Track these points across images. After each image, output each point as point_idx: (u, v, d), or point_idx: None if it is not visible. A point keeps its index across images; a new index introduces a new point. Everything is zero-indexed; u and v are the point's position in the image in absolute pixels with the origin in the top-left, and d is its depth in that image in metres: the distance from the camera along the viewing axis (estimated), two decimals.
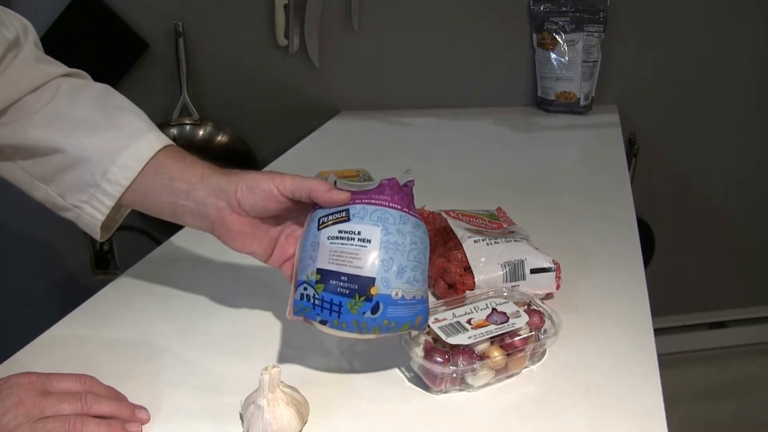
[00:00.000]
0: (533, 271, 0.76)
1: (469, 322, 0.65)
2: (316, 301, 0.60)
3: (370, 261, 0.60)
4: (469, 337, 0.63)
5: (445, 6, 1.64)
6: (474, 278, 0.75)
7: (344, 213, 0.62)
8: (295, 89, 1.71)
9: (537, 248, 0.78)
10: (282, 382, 0.59)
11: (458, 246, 0.77)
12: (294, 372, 0.67)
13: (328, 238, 0.61)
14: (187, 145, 1.36)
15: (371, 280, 0.59)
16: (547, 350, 0.69)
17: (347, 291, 0.60)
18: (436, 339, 0.64)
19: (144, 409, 0.61)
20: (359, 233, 0.61)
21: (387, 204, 0.62)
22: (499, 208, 0.91)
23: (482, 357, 0.63)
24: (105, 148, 0.69)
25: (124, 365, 0.70)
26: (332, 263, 0.60)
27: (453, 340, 0.63)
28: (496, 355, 0.63)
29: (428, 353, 0.63)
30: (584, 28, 1.58)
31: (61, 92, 0.72)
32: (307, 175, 0.67)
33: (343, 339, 0.63)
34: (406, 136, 1.56)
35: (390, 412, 0.62)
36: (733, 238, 1.82)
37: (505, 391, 0.64)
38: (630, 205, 1.07)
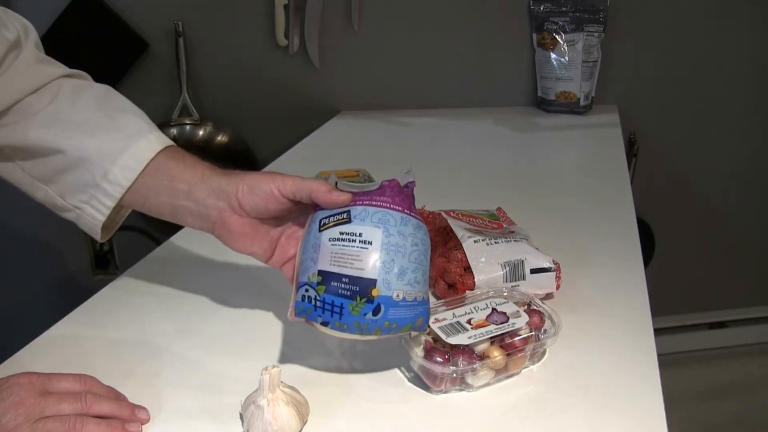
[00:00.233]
0: (533, 271, 0.76)
1: (469, 322, 0.65)
2: (318, 303, 0.60)
3: (371, 263, 0.60)
4: (469, 337, 0.63)
5: (445, 6, 1.64)
6: (474, 278, 0.75)
7: (345, 214, 0.62)
8: (295, 89, 1.71)
9: (537, 248, 0.78)
10: (282, 382, 0.59)
11: (458, 246, 0.78)
12: (294, 372, 0.67)
13: (329, 240, 0.61)
14: (187, 145, 1.36)
15: (372, 282, 0.59)
16: (547, 350, 0.69)
17: (348, 292, 0.60)
18: (436, 339, 0.64)
19: (144, 409, 0.61)
20: (360, 235, 0.61)
21: (388, 205, 0.62)
22: (499, 208, 0.91)
23: (482, 357, 0.63)
24: (105, 149, 0.69)
25: (124, 365, 0.70)
26: (333, 265, 0.60)
27: (453, 340, 0.63)
28: (496, 355, 0.63)
29: (428, 353, 0.63)
30: (584, 28, 1.58)
31: (61, 93, 0.72)
32: (308, 176, 0.67)
33: (344, 339, 0.63)
34: (406, 136, 1.56)
35: (390, 412, 0.62)
36: (733, 238, 1.82)
37: (505, 391, 0.64)
38: (630, 205, 1.07)
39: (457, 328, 0.64)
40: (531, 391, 0.64)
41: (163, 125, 1.64)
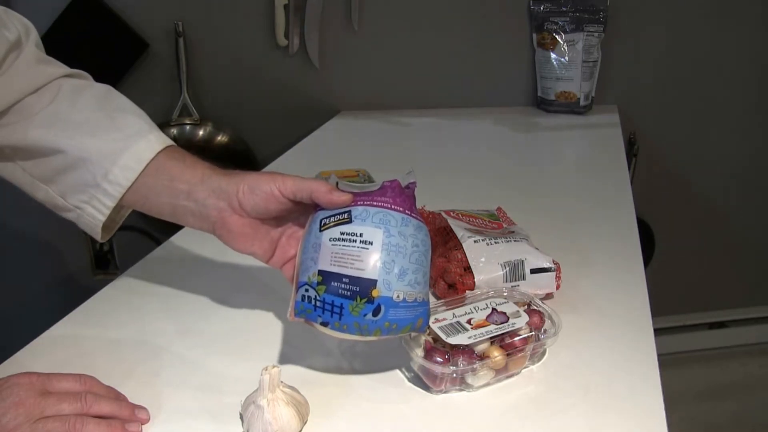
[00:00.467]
0: (533, 271, 0.76)
1: (469, 322, 0.65)
2: (318, 303, 0.60)
3: (371, 263, 0.60)
4: (469, 337, 0.63)
5: (445, 6, 1.64)
6: (474, 278, 0.75)
7: (346, 214, 0.62)
8: (295, 89, 1.71)
9: (537, 248, 0.78)
10: (282, 382, 0.59)
11: (458, 246, 0.77)
12: (294, 372, 0.67)
13: (329, 240, 0.61)
14: (187, 145, 1.36)
15: (373, 282, 0.59)
16: (547, 350, 0.69)
17: (349, 293, 0.60)
18: (436, 339, 0.64)
19: (144, 409, 0.61)
20: (361, 235, 0.61)
21: (389, 206, 0.62)
22: (499, 208, 0.91)
23: (482, 357, 0.63)
24: (106, 149, 0.69)
25: (124, 365, 0.70)
26: (334, 265, 0.60)
27: (453, 340, 0.63)
28: (496, 355, 0.63)
29: (428, 353, 0.63)
30: (584, 28, 1.58)
31: (62, 93, 0.72)
32: (308, 176, 0.67)
33: (343, 339, 0.63)
34: (406, 136, 1.56)
35: (390, 412, 0.62)
36: (733, 238, 1.82)
37: (505, 391, 0.64)
38: (630, 205, 1.07)
39: (457, 328, 0.64)
40: (531, 391, 0.64)
41: (163, 125, 1.64)
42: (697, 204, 1.78)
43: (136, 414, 0.60)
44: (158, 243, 1.01)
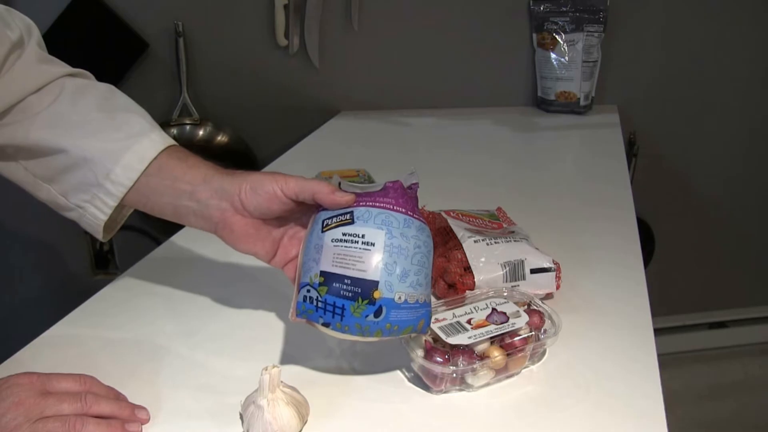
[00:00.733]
0: (533, 271, 0.76)
1: (469, 322, 0.65)
2: (319, 304, 0.60)
3: (373, 264, 0.60)
4: (469, 337, 0.63)
5: (445, 6, 1.64)
6: (474, 278, 0.75)
7: (348, 215, 0.62)
8: (295, 89, 1.71)
9: (537, 248, 0.78)
10: (282, 382, 0.59)
11: (458, 246, 0.77)
12: (294, 372, 0.67)
13: (331, 241, 0.61)
14: (187, 145, 1.35)
15: (374, 284, 0.59)
16: (547, 350, 0.69)
17: (350, 294, 0.60)
18: (436, 339, 0.64)
19: (144, 409, 0.61)
20: (363, 236, 0.61)
21: (391, 207, 0.62)
22: (499, 208, 0.91)
23: (482, 357, 0.63)
24: (108, 149, 0.69)
25: (124, 365, 0.70)
26: (336, 266, 0.60)
27: (453, 340, 0.63)
28: (496, 355, 0.63)
29: (428, 353, 0.63)
30: (584, 28, 1.58)
31: (64, 92, 0.73)
32: (308, 176, 0.67)
33: (344, 339, 0.63)
34: (406, 136, 1.56)
35: (390, 412, 0.62)
36: (733, 238, 1.82)
37: (505, 391, 0.64)
38: (630, 205, 1.07)
39: (457, 328, 0.64)
40: (531, 391, 0.64)
41: (163, 125, 1.61)
42: (697, 204, 1.78)
43: (136, 414, 0.60)
44: (158, 243, 1.01)
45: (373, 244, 0.60)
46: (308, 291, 0.61)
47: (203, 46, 1.67)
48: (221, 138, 1.72)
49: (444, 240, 0.82)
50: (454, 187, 1.17)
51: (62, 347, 0.73)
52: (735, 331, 1.94)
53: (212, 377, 0.67)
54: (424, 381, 0.64)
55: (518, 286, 0.75)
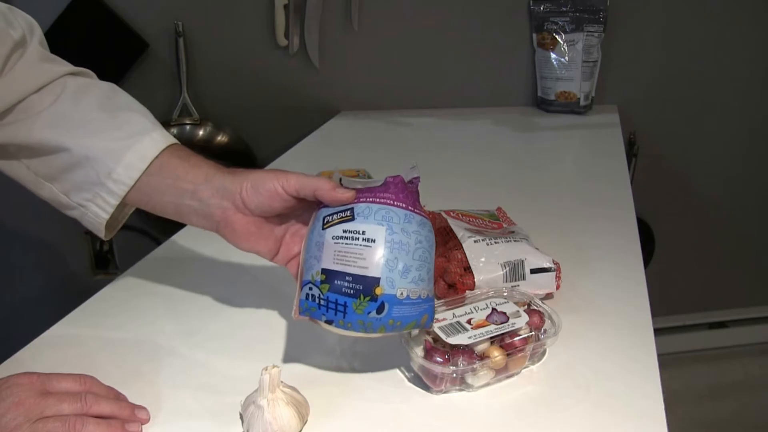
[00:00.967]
0: (533, 271, 0.76)
1: (469, 322, 0.65)
2: (321, 302, 0.60)
3: (374, 261, 0.60)
4: (469, 337, 0.63)
5: (445, 6, 1.64)
6: (474, 278, 0.75)
7: (349, 212, 0.62)
8: (295, 89, 1.71)
9: (537, 248, 0.78)
10: (282, 382, 0.59)
11: (458, 246, 0.77)
12: (294, 372, 0.67)
13: (332, 238, 0.61)
14: (187, 145, 1.35)
15: (376, 281, 0.59)
16: (547, 350, 0.69)
17: (352, 291, 0.60)
18: (436, 339, 0.64)
19: (144, 409, 0.61)
20: (364, 233, 0.61)
21: (392, 202, 0.62)
22: (499, 208, 0.91)
23: (482, 357, 0.63)
24: (110, 148, 0.69)
25: (125, 365, 0.70)
26: (337, 263, 0.60)
27: (453, 340, 0.63)
28: (496, 355, 0.63)
29: (428, 353, 0.63)
30: (584, 28, 1.58)
31: (66, 91, 0.73)
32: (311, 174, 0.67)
33: (344, 338, 0.63)
34: (406, 136, 1.56)
35: (390, 412, 0.62)
36: (733, 238, 1.82)
37: (505, 391, 0.64)
38: (630, 205, 1.07)
39: (457, 328, 0.64)
40: (531, 391, 0.64)
41: (163, 125, 1.63)
42: (697, 204, 1.78)
43: (136, 414, 0.60)
44: (158, 243, 1.01)
45: (373, 241, 0.60)
46: (310, 289, 0.61)
47: (203, 46, 1.67)
48: (221, 138, 1.72)
49: (444, 240, 0.82)
50: (454, 187, 1.17)
51: (62, 347, 0.73)
52: (735, 331, 1.94)
53: (212, 377, 0.67)
54: (424, 381, 0.64)
55: (518, 286, 0.75)
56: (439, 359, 0.62)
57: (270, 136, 1.72)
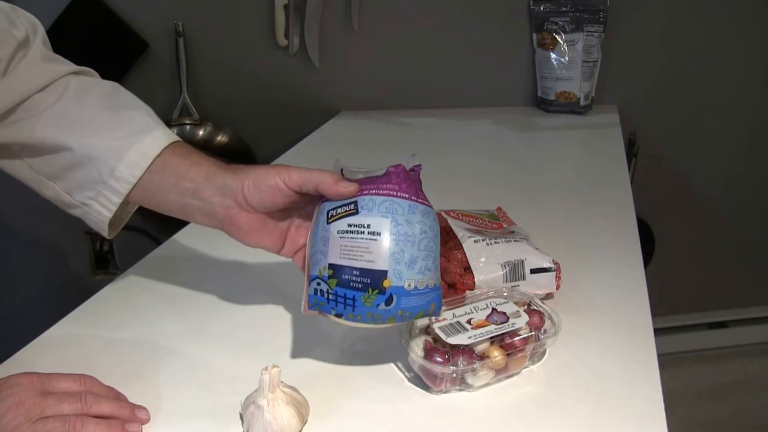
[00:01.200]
0: (533, 271, 0.76)
1: (469, 322, 0.65)
2: (330, 296, 0.61)
3: (381, 254, 0.60)
4: (469, 337, 0.63)
5: (445, 6, 1.64)
6: (474, 278, 0.75)
7: (352, 205, 0.62)
8: (295, 89, 1.71)
9: (537, 248, 0.78)
10: (282, 382, 0.59)
11: (458, 246, 0.77)
12: (294, 372, 0.67)
13: (338, 232, 0.61)
14: None
15: (383, 273, 0.60)
16: (547, 350, 0.69)
17: (360, 285, 0.60)
18: (436, 339, 0.64)
19: (144, 409, 0.61)
20: (369, 226, 0.61)
21: (395, 193, 0.62)
22: (499, 208, 0.91)
23: (482, 357, 0.63)
24: (112, 146, 0.69)
25: (125, 365, 0.70)
26: (343, 258, 0.61)
27: (453, 340, 0.63)
28: (496, 355, 0.63)
29: (428, 353, 0.63)
30: (584, 28, 1.58)
31: (68, 91, 0.73)
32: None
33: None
34: (406, 136, 1.56)
35: (390, 412, 0.62)
36: (733, 238, 1.82)
37: (505, 391, 0.64)
38: (630, 205, 1.07)
39: (457, 328, 0.64)
40: (531, 391, 0.64)
41: None
42: (697, 204, 1.78)
43: (136, 414, 0.60)
44: (158, 243, 1.01)
45: (379, 234, 0.60)
46: (318, 284, 0.61)
47: (203, 46, 1.67)
48: (221, 138, 1.72)
49: (444, 240, 0.81)
50: (454, 187, 1.17)
51: (62, 347, 0.73)
52: (735, 331, 1.94)
53: (212, 377, 0.67)
54: (424, 381, 0.64)
55: (518, 286, 0.75)
56: (439, 359, 0.62)
57: (270, 136, 1.72)
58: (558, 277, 0.77)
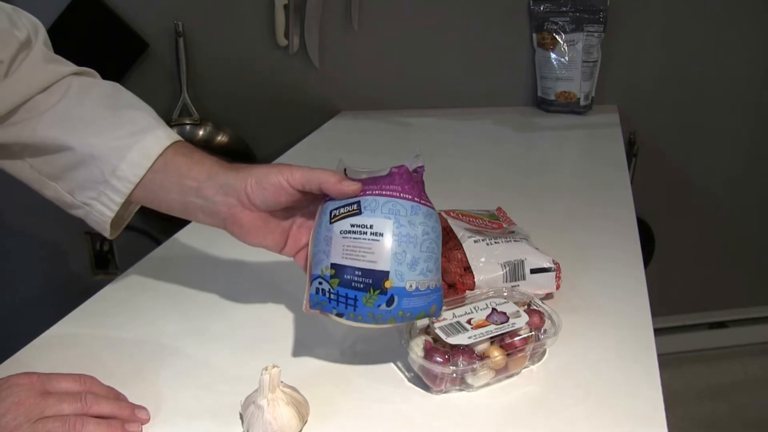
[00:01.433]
0: (533, 271, 0.76)
1: (469, 322, 0.65)
2: (332, 296, 0.61)
3: (383, 255, 0.60)
4: (469, 337, 0.63)
5: (444, 6, 1.64)
6: (474, 278, 0.75)
7: (355, 205, 0.62)
8: (295, 89, 1.71)
9: (537, 248, 0.78)
10: (282, 381, 0.59)
11: (458, 246, 0.77)
12: (294, 372, 0.67)
13: (340, 232, 0.62)
14: None
15: (385, 274, 0.60)
16: (547, 350, 0.69)
17: (362, 285, 0.60)
18: (436, 339, 0.64)
19: (144, 409, 0.61)
20: (371, 227, 0.61)
21: (398, 194, 0.62)
22: (499, 208, 0.91)
23: (482, 357, 0.63)
24: (114, 146, 0.70)
25: (125, 365, 0.70)
26: (346, 258, 0.61)
27: (453, 340, 0.63)
28: (496, 355, 0.63)
29: (428, 353, 0.63)
30: (584, 28, 1.58)
31: (70, 91, 0.73)
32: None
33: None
34: (406, 136, 1.56)
35: (390, 412, 0.62)
36: (733, 238, 1.82)
37: (505, 391, 0.64)
38: (630, 205, 1.07)
39: (457, 328, 0.64)
40: (531, 391, 0.64)
41: None
42: (697, 204, 1.78)
43: (136, 414, 0.60)
44: (158, 243, 1.01)
45: (381, 235, 0.60)
46: (320, 283, 0.62)
47: (203, 46, 1.67)
48: (221, 138, 1.72)
49: (444, 240, 0.81)
50: (454, 187, 1.17)
51: (62, 347, 0.73)
52: (735, 331, 1.94)
53: (212, 377, 0.67)
54: (424, 381, 0.64)
55: (518, 286, 0.75)
56: (439, 359, 0.62)
57: (270, 136, 1.72)
58: (558, 277, 0.77)
